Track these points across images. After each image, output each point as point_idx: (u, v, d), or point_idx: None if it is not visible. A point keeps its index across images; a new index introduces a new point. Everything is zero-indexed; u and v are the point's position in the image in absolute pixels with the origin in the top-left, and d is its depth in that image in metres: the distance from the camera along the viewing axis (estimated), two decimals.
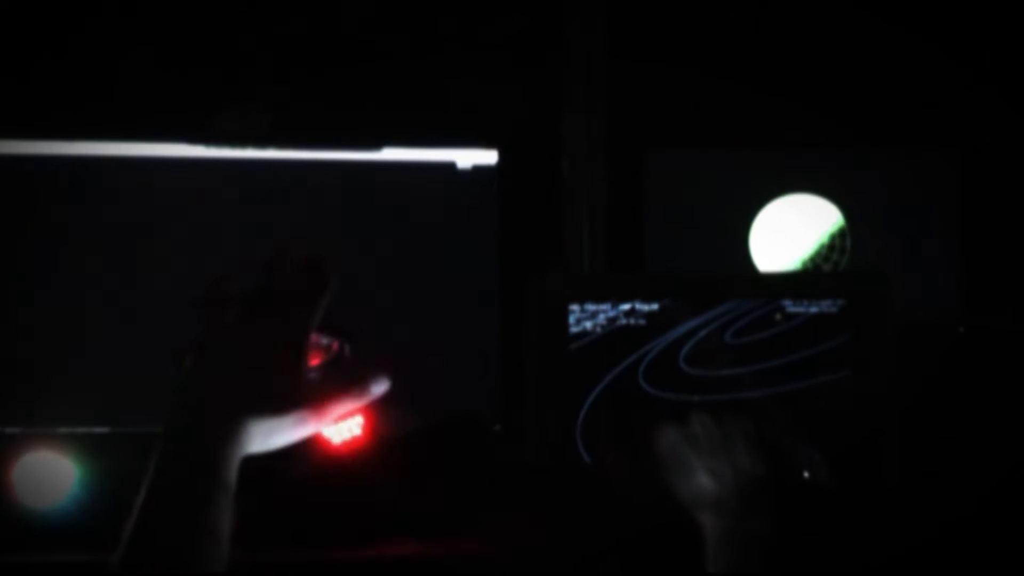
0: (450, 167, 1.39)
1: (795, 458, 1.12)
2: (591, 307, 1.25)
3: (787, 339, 1.25)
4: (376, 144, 1.39)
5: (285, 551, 1.23)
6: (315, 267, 0.91)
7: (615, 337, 1.25)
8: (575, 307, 1.25)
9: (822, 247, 1.51)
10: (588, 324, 1.25)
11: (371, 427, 1.31)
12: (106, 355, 1.34)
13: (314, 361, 0.91)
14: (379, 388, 0.87)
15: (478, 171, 1.40)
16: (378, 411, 1.33)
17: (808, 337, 1.25)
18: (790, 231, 1.51)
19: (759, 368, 1.24)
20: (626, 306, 1.25)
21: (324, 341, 0.93)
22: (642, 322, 1.25)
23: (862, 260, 1.50)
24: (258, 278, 0.88)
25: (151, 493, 0.76)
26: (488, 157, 1.40)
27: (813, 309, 1.26)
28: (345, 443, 1.30)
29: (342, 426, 1.31)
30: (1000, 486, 1.29)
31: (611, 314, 1.25)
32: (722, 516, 0.96)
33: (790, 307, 1.26)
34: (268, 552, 1.22)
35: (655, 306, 1.25)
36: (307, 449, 1.30)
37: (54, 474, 1.28)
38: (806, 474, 1.18)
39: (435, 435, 1.34)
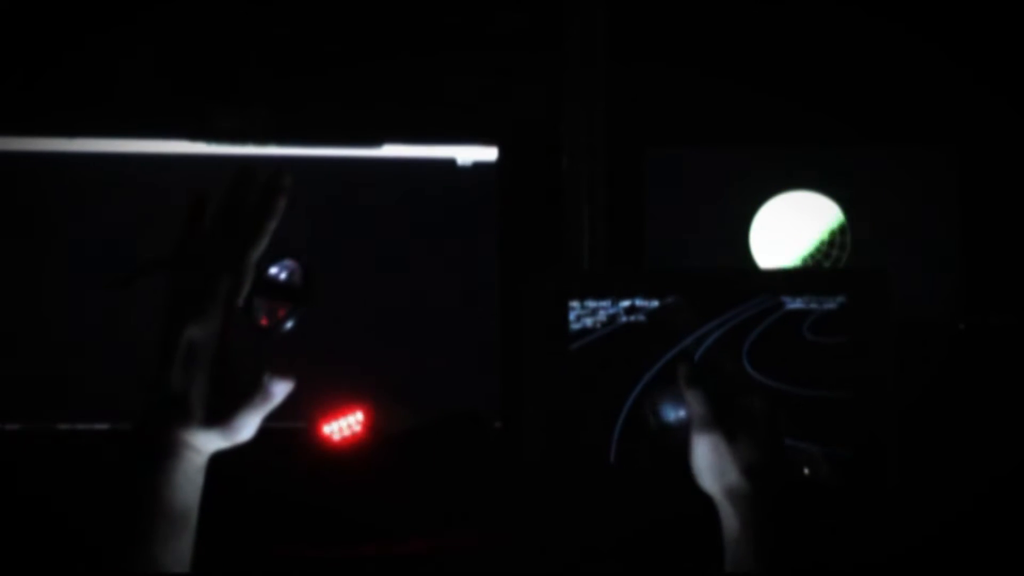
0: (450, 164, 1.39)
1: (796, 456, 1.12)
2: (591, 304, 1.25)
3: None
4: (376, 141, 1.39)
5: (285, 551, 1.23)
6: (271, 187, 0.81)
7: (616, 336, 1.24)
8: (575, 304, 1.25)
9: (822, 244, 1.51)
10: (588, 321, 1.25)
11: (371, 425, 1.31)
12: (106, 353, 1.34)
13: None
14: (281, 390, 0.81)
15: (478, 168, 1.40)
16: (378, 409, 1.33)
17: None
18: (790, 229, 1.51)
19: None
20: (626, 303, 1.25)
21: (260, 311, 0.82)
22: (642, 319, 1.25)
23: (862, 257, 1.50)
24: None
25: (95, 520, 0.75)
26: (488, 154, 1.40)
27: (813, 306, 1.26)
28: (345, 441, 1.30)
29: (342, 423, 1.31)
30: (1000, 485, 1.29)
31: (612, 311, 1.25)
32: (770, 493, 0.94)
33: (790, 304, 1.26)
34: (268, 551, 1.22)
35: (656, 303, 1.25)
36: (307, 449, 1.30)
37: None
38: (806, 471, 1.18)
39: (435, 432, 1.34)
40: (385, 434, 1.31)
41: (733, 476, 0.95)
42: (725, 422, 0.97)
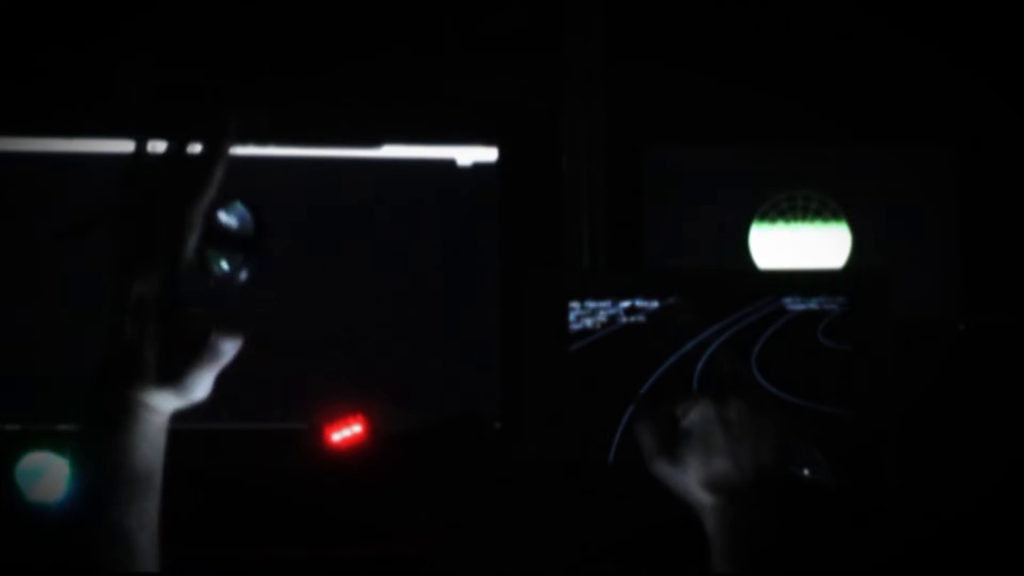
0: (450, 164, 1.39)
1: (796, 456, 1.12)
2: (591, 304, 1.25)
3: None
4: (376, 141, 1.38)
5: (285, 550, 1.23)
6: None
7: (616, 337, 1.24)
8: (575, 304, 1.25)
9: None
10: (589, 322, 1.25)
11: (372, 426, 1.31)
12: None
13: None
14: (230, 348, 0.75)
15: (478, 168, 1.40)
16: (379, 410, 1.33)
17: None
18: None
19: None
20: (627, 303, 1.25)
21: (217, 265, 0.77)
22: (643, 319, 1.25)
23: (863, 258, 1.50)
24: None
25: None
26: (488, 154, 1.40)
27: (813, 306, 1.26)
28: (346, 442, 1.30)
29: (343, 425, 1.31)
30: (1000, 486, 1.29)
31: (612, 311, 1.25)
32: (733, 503, 0.94)
33: (790, 305, 1.26)
34: (268, 551, 1.22)
35: (656, 303, 1.25)
36: (309, 450, 1.30)
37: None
38: (806, 472, 1.18)
39: (436, 433, 1.34)
40: (386, 435, 1.31)
41: (694, 492, 0.95)
42: (668, 449, 0.97)
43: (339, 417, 1.31)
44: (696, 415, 0.97)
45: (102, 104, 1.42)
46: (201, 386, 0.75)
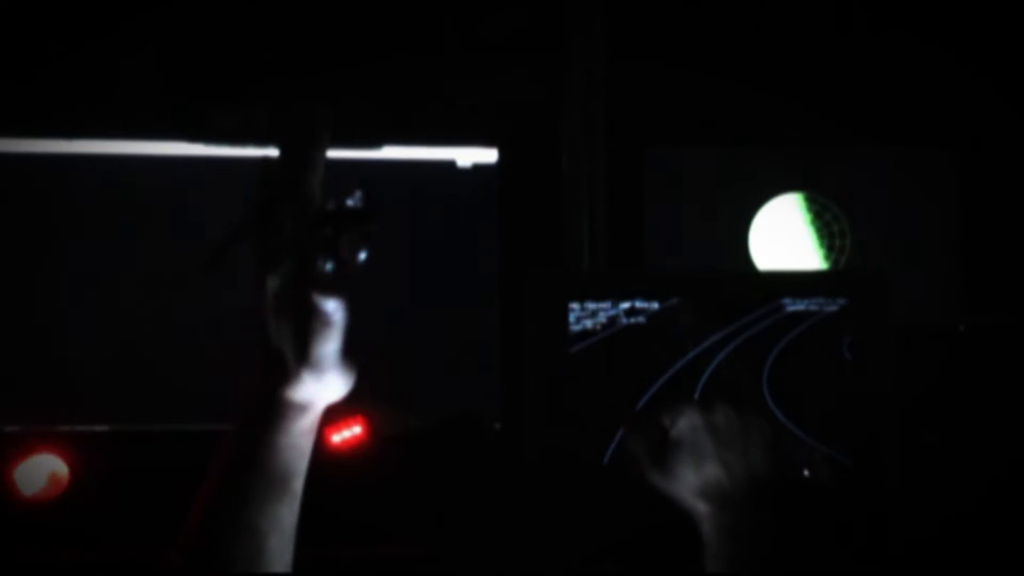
0: (450, 165, 1.39)
1: (796, 456, 1.12)
2: (591, 305, 1.25)
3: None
4: (376, 142, 1.38)
5: None
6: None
7: (617, 339, 1.24)
8: (575, 305, 1.25)
9: (823, 246, 1.51)
10: (588, 323, 1.25)
11: (371, 427, 1.32)
12: (106, 354, 1.34)
13: None
14: (334, 307, 0.77)
15: (478, 169, 1.40)
16: (379, 411, 1.33)
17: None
18: (791, 230, 1.51)
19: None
20: (627, 304, 1.25)
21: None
22: (643, 321, 1.25)
23: (863, 259, 1.50)
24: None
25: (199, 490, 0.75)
26: (488, 155, 1.40)
27: (813, 308, 1.26)
28: (346, 443, 1.30)
29: (342, 426, 1.31)
30: (1000, 486, 1.29)
31: (611, 312, 1.25)
32: (727, 509, 0.95)
33: (790, 306, 1.26)
34: None
35: (656, 304, 1.25)
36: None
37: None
38: (806, 472, 1.18)
39: (435, 434, 1.34)
40: (385, 436, 1.31)
41: (689, 500, 0.96)
42: (661, 459, 0.97)
43: (339, 418, 1.31)
44: (684, 424, 0.97)
45: (102, 104, 1.42)
46: (328, 359, 0.75)
